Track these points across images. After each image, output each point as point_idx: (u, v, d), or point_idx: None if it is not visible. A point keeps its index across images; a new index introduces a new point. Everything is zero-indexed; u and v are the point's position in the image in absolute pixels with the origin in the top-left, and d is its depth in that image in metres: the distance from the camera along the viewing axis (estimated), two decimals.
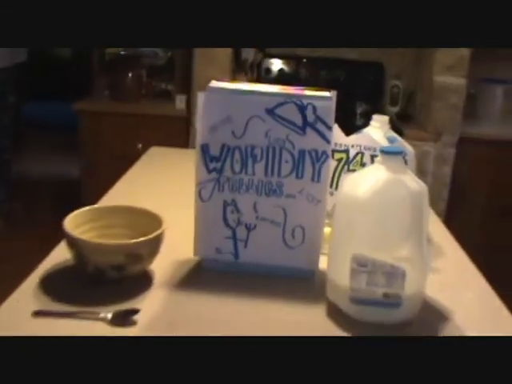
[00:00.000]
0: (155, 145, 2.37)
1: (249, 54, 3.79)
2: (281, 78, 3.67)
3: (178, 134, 3.45)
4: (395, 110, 3.69)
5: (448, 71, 3.33)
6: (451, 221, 3.41)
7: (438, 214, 3.36)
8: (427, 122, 3.42)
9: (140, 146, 3.17)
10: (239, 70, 3.71)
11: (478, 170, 3.50)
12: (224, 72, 3.37)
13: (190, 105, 3.53)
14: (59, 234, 1.12)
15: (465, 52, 3.29)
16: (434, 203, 3.17)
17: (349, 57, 3.89)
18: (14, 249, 3.78)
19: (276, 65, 3.80)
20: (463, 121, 3.50)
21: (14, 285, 1.10)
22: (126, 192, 1.65)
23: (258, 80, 3.68)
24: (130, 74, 3.79)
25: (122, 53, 3.96)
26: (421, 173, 3.35)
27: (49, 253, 1.22)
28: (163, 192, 1.60)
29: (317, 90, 1.16)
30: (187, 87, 3.58)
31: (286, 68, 3.82)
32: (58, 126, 5.31)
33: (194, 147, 1.19)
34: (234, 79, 3.47)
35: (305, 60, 3.86)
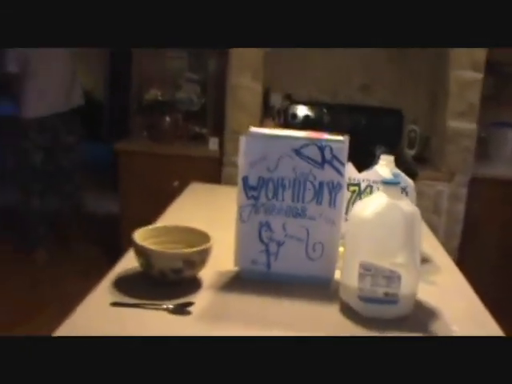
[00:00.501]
0: (190, 183, 2.60)
1: (276, 100, 4.05)
2: (306, 123, 3.89)
3: (211, 172, 3.60)
4: (412, 152, 3.87)
5: (460, 117, 3.57)
6: (464, 257, 3.63)
7: (452, 249, 3.59)
8: (441, 164, 3.64)
9: (176, 183, 3.35)
10: (267, 115, 3.95)
11: (490, 208, 3.69)
12: (253, 117, 3.60)
13: (222, 146, 3.75)
14: (101, 262, 1.40)
15: (475, 100, 3.54)
16: (447, 239, 3.40)
17: (369, 103, 4.15)
18: (64, 274, 4.08)
19: (301, 110, 4.00)
20: (476, 162, 3.73)
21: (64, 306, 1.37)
22: (175, 217, 1.95)
23: (285, 125, 3.91)
24: (167, 118, 4.03)
25: (160, 98, 4.21)
26: (435, 210, 3.61)
27: (96, 276, 1.48)
28: (206, 217, 1.86)
29: (334, 135, 1.46)
30: (219, 130, 3.80)
31: (310, 114, 4.04)
32: (94, 166, 5.58)
33: (227, 184, 1.48)
34: (262, 124, 3.73)
35: (325, 110, 4.05)
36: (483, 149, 4.05)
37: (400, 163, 3.70)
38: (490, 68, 3.79)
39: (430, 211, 3.63)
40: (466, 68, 3.51)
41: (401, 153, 3.88)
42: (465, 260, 3.62)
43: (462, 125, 3.59)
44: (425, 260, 1.73)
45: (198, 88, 4.24)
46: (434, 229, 3.54)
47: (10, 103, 4.32)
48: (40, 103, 4.00)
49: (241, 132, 1.49)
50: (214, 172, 3.66)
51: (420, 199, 3.54)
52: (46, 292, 3.78)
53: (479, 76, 3.51)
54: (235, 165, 1.54)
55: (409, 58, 4.02)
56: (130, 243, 1.42)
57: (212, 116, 4.19)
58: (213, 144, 3.87)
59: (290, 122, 3.96)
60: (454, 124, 3.59)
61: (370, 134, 3.96)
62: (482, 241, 3.71)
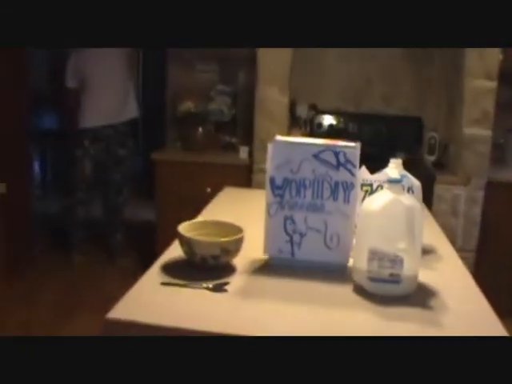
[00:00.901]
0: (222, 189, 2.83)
1: (302, 111, 4.30)
2: (331, 132, 4.12)
3: (241, 179, 3.86)
4: (432, 158, 4.11)
5: (475, 124, 3.78)
6: (482, 257, 3.84)
7: (470, 249, 3.80)
8: (458, 169, 3.85)
9: (209, 189, 3.60)
10: (294, 125, 4.20)
11: (506, 211, 3.91)
12: (281, 127, 3.85)
13: (251, 155, 4.00)
14: (137, 268, 1.62)
15: (489, 107, 3.75)
16: (465, 241, 3.61)
17: (390, 112, 4.38)
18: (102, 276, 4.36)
19: (326, 120, 4.27)
20: (493, 167, 3.94)
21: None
22: (211, 215, 2.22)
23: (311, 134, 4.15)
24: (200, 129, 4.27)
25: (192, 110, 4.42)
26: (453, 213, 3.82)
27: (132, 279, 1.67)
28: (238, 214, 2.07)
29: (353, 142, 1.71)
30: (249, 140, 4.05)
31: (335, 123, 4.29)
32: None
33: (257, 188, 1.72)
34: (289, 133, 3.97)
35: (343, 117, 4.27)
36: (500, 154, 4.26)
37: (420, 168, 3.95)
38: (507, 77, 4.00)
39: (448, 214, 3.84)
40: (480, 77, 3.72)
41: (421, 159, 4.13)
42: (483, 260, 3.85)
43: (477, 131, 3.79)
44: (430, 251, 1.98)
45: (229, 100, 4.46)
46: (451, 230, 3.79)
47: (62, 117, 4.69)
48: (95, 114, 4.33)
49: (269, 141, 1.75)
50: (245, 179, 3.91)
51: (439, 202, 3.81)
52: (83, 293, 4.06)
53: (493, 84, 3.72)
54: (264, 171, 1.77)
55: (427, 68, 4.26)
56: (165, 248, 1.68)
57: (242, 126, 4.41)
58: (243, 153, 4.11)
59: (316, 131, 4.21)
60: (469, 131, 3.80)
61: (391, 141, 4.19)
62: (499, 242, 3.90)
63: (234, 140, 4.40)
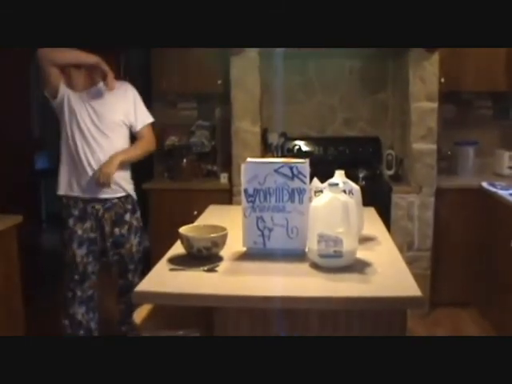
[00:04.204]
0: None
1: (274, 138, 4.86)
2: (299, 156, 4.60)
3: (224, 201, 4.29)
4: (390, 172, 4.71)
5: (422, 140, 4.37)
6: (437, 253, 4.43)
7: (426, 248, 4.37)
8: (411, 179, 4.45)
9: (196, 212, 3.98)
10: (267, 151, 4.77)
11: (455, 212, 4.49)
12: (255, 153, 4.39)
13: (231, 180, 4.53)
14: None
15: (433, 124, 4.35)
16: (422, 240, 4.21)
17: (352, 134, 4.99)
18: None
19: (295, 145, 4.86)
20: (443, 176, 4.54)
21: None
22: (203, 223, 2.79)
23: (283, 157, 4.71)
24: (184, 160, 4.81)
25: (177, 144, 4.95)
26: (409, 218, 4.41)
27: None
28: (222, 222, 2.62)
29: (299, 159, 2.31)
30: (228, 167, 4.60)
31: (303, 147, 4.87)
32: None
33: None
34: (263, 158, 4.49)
35: (310, 142, 4.84)
36: (449, 164, 4.87)
37: (380, 182, 4.54)
38: (450, 96, 4.64)
39: (405, 219, 4.44)
40: (422, 99, 4.34)
41: (380, 173, 4.72)
42: (438, 255, 4.45)
43: (424, 146, 4.40)
44: (372, 239, 2.57)
45: (208, 133, 5.00)
46: (409, 233, 4.40)
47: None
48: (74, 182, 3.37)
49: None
50: (227, 201, 4.43)
51: (396, 209, 4.39)
52: None
53: (434, 105, 4.33)
54: None
55: (381, 94, 4.90)
56: None
57: (221, 155, 4.97)
58: (223, 178, 4.67)
59: (286, 155, 4.76)
60: (417, 146, 4.41)
61: (354, 159, 4.77)
62: (452, 239, 4.51)
63: (214, 168, 4.94)
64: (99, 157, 3.26)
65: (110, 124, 3.31)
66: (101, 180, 3.22)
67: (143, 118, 3.49)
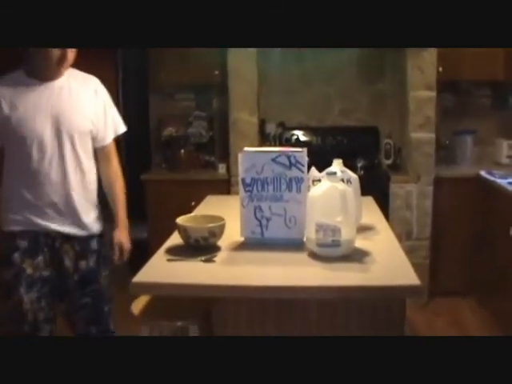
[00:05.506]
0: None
1: (272, 128, 4.84)
2: (297, 145, 4.58)
3: (222, 191, 4.27)
4: (388, 162, 4.69)
5: (420, 129, 4.37)
6: (436, 241, 4.42)
7: (425, 237, 4.37)
8: (409, 168, 4.44)
9: (193, 203, 3.93)
10: (265, 141, 4.76)
11: (454, 201, 4.47)
12: (253, 144, 4.35)
13: (229, 170, 4.51)
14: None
15: (431, 113, 4.35)
16: (421, 229, 4.21)
17: (350, 124, 4.97)
18: None
19: (293, 135, 4.83)
20: (442, 165, 4.53)
21: None
22: (201, 213, 2.78)
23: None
24: (182, 151, 4.78)
25: (174, 134, 4.91)
26: (407, 207, 4.41)
27: None
28: (220, 212, 2.57)
29: (296, 148, 2.30)
30: (226, 157, 4.60)
31: (300, 137, 4.85)
32: None
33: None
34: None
35: (308, 132, 4.83)
36: (447, 154, 4.85)
37: (378, 171, 4.53)
38: (448, 86, 4.63)
39: (403, 208, 4.44)
40: (421, 88, 4.33)
41: (379, 163, 4.71)
42: (437, 245, 4.45)
43: (422, 135, 4.39)
44: (370, 228, 2.56)
45: (206, 124, 4.97)
46: (408, 222, 4.40)
47: None
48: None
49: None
50: (225, 191, 4.40)
51: (395, 199, 4.39)
52: None
53: (433, 94, 4.33)
54: None
55: (379, 84, 4.88)
56: None
57: (219, 146, 4.93)
58: (221, 169, 4.64)
59: (284, 145, 4.69)
60: (415, 135, 4.40)
61: (352, 149, 4.74)
62: (450, 228, 4.49)
63: (212, 158, 4.91)
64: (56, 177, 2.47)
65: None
66: (124, 258, 2.71)
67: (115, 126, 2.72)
